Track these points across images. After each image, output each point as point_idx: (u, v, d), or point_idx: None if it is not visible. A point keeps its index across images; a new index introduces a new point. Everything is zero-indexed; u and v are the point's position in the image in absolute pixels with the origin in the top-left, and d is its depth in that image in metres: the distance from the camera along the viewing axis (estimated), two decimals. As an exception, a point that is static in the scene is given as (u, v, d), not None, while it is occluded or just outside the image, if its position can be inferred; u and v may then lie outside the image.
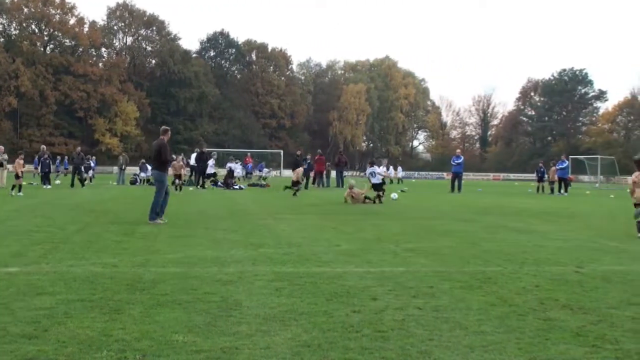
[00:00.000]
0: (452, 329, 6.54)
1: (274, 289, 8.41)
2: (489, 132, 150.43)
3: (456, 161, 41.92)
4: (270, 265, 10.27)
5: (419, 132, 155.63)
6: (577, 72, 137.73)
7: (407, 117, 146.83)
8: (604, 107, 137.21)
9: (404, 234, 15.72)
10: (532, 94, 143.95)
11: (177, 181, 35.76)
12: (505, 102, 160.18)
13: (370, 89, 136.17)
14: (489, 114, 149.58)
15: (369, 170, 29.66)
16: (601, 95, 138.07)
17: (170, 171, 28.22)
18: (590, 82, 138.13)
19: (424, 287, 8.71)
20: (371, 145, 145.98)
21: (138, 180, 46.23)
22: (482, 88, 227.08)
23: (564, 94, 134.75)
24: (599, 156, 74.55)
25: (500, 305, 7.69)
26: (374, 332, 6.36)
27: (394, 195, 31.41)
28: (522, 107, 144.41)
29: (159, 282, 8.73)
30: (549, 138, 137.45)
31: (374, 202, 27.41)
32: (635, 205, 16.88)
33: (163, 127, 19.21)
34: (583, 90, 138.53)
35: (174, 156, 31.03)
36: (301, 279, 9.14)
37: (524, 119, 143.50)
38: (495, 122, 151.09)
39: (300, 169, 34.37)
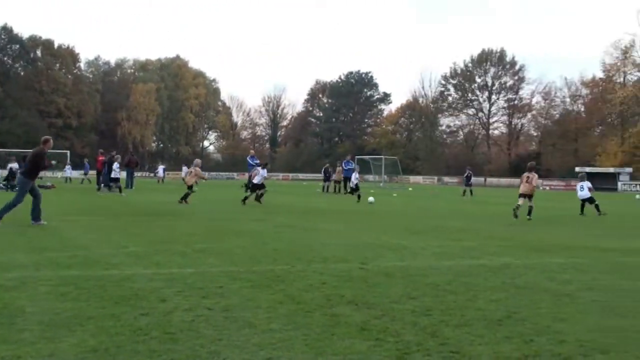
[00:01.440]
0: (241, 328, 6.60)
1: (59, 294, 8.15)
2: (278, 133, 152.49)
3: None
4: (55, 270, 9.95)
5: (210, 132, 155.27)
6: (363, 75, 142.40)
7: (197, 117, 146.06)
8: (388, 109, 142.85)
9: (195, 234, 15.67)
10: (321, 95, 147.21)
11: None
12: (294, 103, 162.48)
13: (161, 88, 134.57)
14: (278, 115, 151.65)
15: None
16: (385, 98, 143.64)
17: None
18: (376, 85, 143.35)
19: (213, 287, 8.73)
20: (161, 145, 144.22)
21: None
22: (272, 89, 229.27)
23: (351, 96, 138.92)
24: (383, 156, 77.52)
25: (288, 302, 7.83)
26: (163, 334, 6.32)
27: (371, 199, 32.85)
28: (310, 109, 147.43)
29: None
30: (336, 139, 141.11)
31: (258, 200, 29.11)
32: (520, 195, 24.27)
33: (44, 137, 18.39)
34: (369, 93, 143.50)
35: None
36: (88, 282, 8.92)
37: (313, 120, 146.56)
38: (285, 122, 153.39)
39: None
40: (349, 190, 44.19)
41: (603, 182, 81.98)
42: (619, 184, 79.17)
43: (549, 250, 14.05)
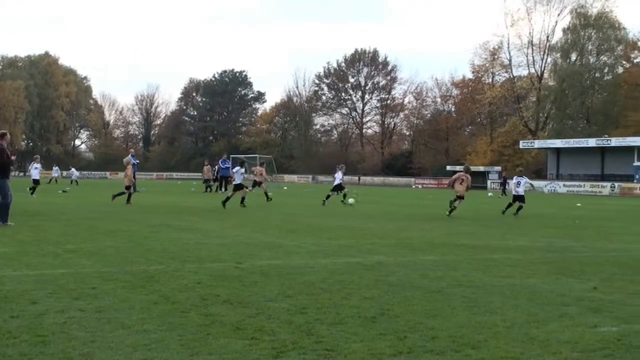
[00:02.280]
0: (114, 329, 6.47)
1: None
2: (152, 132, 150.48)
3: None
4: None
5: (82, 131, 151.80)
6: (238, 74, 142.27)
7: (68, 115, 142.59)
8: (263, 108, 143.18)
9: (66, 234, 15.30)
10: (195, 94, 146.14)
11: None
12: (168, 102, 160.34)
13: (30, 86, 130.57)
14: (152, 114, 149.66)
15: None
16: (260, 97, 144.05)
17: None
18: (250, 84, 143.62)
19: (86, 288, 8.53)
20: (31, 144, 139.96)
21: None
22: (145, 87, 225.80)
23: (225, 95, 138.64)
24: (257, 155, 77.56)
25: (163, 303, 7.73)
26: (34, 337, 6.13)
27: (351, 200, 32.64)
28: (184, 107, 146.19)
29: None
30: (211, 138, 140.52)
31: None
32: (457, 197, 25.62)
33: (1, 131, 18.02)
34: (243, 92, 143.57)
35: None
36: (-47, 285, 8.59)
37: (187, 118, 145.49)
38: (159, 121, 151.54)
39: None
40: (224, 189, 44.12)
41: (473, 180, 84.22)
42: (489, 182, 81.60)
43: (422, 248, 14.35)
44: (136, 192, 37.95)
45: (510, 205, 27.50)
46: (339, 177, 33.97)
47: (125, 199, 28.36)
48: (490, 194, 55.37)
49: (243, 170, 29.25)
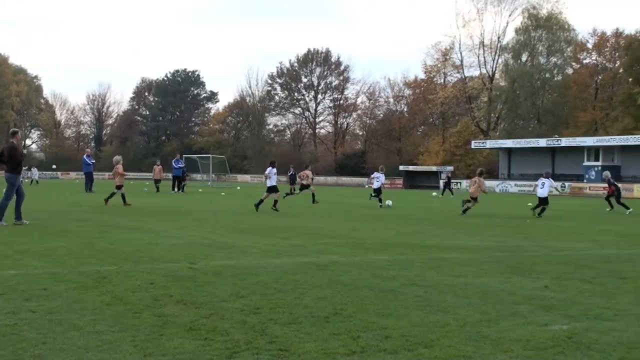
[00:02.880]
0: (66, 330, 6.41)
1: None
2: (104, 131, 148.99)
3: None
4: None
5: (33, 130, 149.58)
6: (190, 74, 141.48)
7: (19, 115, 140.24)
8: (215, 108, 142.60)
9: (16, 235, 15.12)
10: (147, 93, 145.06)
11: None
12: (120, 102, 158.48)
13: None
14: (104, 113, 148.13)
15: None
16: (212, 97, 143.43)
17: None
18: (203, 84, 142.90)
19: (37, 289, 8.44)
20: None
21: None
22: (97, 87, 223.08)
23: (178, 95, 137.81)
24: (210, 155, 77.21)
25: (115, 304, 7.68)
26: (-17, 339, 6.07)
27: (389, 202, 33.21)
28: (136, 107, 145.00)
29: None
30: (163, 137, 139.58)
31: None
32: (471, 198, 27.52)
33: (12, 129, 18.71)
34: (195, 92, 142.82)
35: None
36: None
37: (139, 118, 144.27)
38: (111, 121, 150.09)
39: None
40: (177, 189, 43.90)
41: (425, 180, 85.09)
42: (441, 182, 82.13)
43: (375, 247, 14.43)
44: (92, 193, 37.63)
45: (537, 207, 27.85)
46: (380, 178, 33.74)
47: (121, 200, 28.03)
48: (434, 193, 55.82)
49: (275, 171, 28.12)
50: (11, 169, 18.15)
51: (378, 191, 33.83)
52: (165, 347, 5.94)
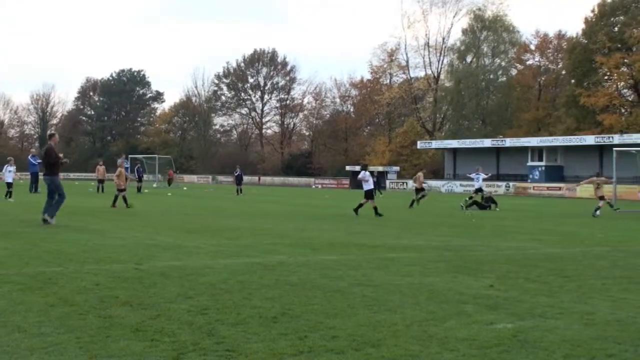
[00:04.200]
0: (10, 332, 6.32)
1: None
2: (48, 131, 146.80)
3: (35, 161, 42.44)
4: None
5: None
6: (135, 73, 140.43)
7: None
8: (161, 108, 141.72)
9: (-43, 237, 14.86)
10: (92, 93, 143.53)
11: None
12: (65, 101, 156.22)
13: None
14: (48, 113, 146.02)
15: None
16: (158, 97, 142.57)
17: None
18: (148, 84, 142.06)
19: (-20, 291, 8.32)
20: None
21: None
22: (41, 86, 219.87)
23: (123, 95, 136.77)
24: (157, 155, 76.70)
25: (61, 305, 7.59)
26: None
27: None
28: (81, 107, 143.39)
29: None
30: (109, 137, 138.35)
31: None
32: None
33: (50, 132, 18.49)
34: (141, 91, 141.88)
35: None
36: None
37: (84, 118, 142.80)
38: (55, 121, 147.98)
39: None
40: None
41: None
42: (387, 182, 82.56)
43: (322, 247, 14.46)
44: (37, 193, 37.04)
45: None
46: (480, 178, 33.49)
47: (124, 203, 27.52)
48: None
49: (368, 174, 27.15)
50: (50, 172, 19.10)
51: (480, 190, 34.18)
52: (111, 348, 5.88)
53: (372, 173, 29.97)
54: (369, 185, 26.88)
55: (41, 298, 8.00)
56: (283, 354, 5.83)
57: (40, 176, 32.16)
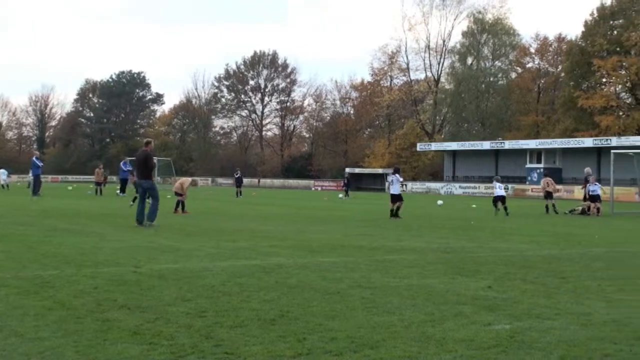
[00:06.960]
0: (7, 337, 6.30)
1: None
2: (47, 133, 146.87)
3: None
4: None
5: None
6: (135, 75, 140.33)
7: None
8: (161, 110, 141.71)
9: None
10: (91, 95, 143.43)
11: None
12: (63, 103, 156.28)
13: None
14: (47, 115, 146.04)
15: None
16: (158, 99, 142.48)
17: None
18: (148, 86, 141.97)
19: (-23, 295, 8.30)
20: None
21: None
22: (40, 88, 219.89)
23: (122, 97, 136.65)
24: (156, 158, 76.55)
25: (58, 309, 7.56)
26: None
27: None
28: (80, 109, 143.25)
29: None
30: (108, 140, 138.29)
31: None
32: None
33: (146, 139, 21.32)
34: (141, 93, 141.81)
35: None
36: None
37: (83, 120, 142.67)
38: (54, 123, 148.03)
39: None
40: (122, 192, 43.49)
41: (371, 182, 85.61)
42: (386, 184, 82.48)
43: (321, 249, 14.43)
44: (39, 197, 36.95)
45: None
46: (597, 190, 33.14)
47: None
48: (340, 195, 55.49)
49: (398, 177, 27.21)
50: (147, 176, 20.22)
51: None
52: (109, 352, 5.87)
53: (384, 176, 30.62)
54: (394, 189, 27.02)
55: (38, 302, 7.97)
56: (282, 356, 5.83)
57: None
